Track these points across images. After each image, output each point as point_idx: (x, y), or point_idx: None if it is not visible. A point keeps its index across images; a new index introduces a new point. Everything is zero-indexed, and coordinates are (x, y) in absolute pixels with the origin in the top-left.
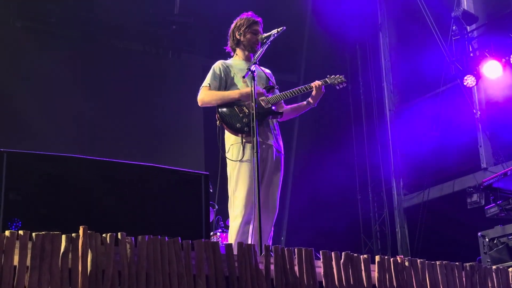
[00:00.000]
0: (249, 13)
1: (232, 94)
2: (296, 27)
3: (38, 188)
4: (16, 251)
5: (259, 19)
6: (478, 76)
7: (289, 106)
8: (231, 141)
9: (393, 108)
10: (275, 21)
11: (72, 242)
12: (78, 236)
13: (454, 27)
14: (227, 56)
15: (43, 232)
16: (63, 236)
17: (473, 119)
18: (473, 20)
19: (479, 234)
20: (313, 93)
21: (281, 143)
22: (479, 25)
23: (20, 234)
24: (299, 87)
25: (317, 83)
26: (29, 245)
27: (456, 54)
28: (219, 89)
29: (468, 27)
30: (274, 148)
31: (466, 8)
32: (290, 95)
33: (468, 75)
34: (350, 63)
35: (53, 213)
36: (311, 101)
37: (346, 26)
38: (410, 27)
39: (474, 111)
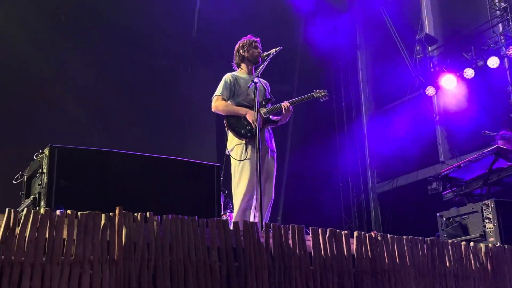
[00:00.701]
0: (249, 35)
1: (240, 110)
2: (291, 46)
3: (83, 176)
4: (65, 227)
5: (258, 39)
6: (437, 87)
7: None
8: (235, 142)
9: (369, 113)
10: (275, 42)
11: (110, 220)
12: (115, 215)
13: (418, 48)
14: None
15: (86, 212)
16: (103, 215)
17: (433, 121)
18: (433, 41)
19: (437, 214)
20: (283, 111)
21: (274, 144)
22: (438, 46)
23: (68, 213)
24: (276, 105)
25: (285, 104)
26: (75, 222)
27: (420, 70)
28: (229, 97)
29: (429, 48)
30: (269, 149)
31: (427, 32)
32: (279, 108)
33: (429, 86)
34: (334, 76)
35: (95, 196)
36: (282, 118)
37: (331, 46)
38: (382, 47)
39: (434, 115)
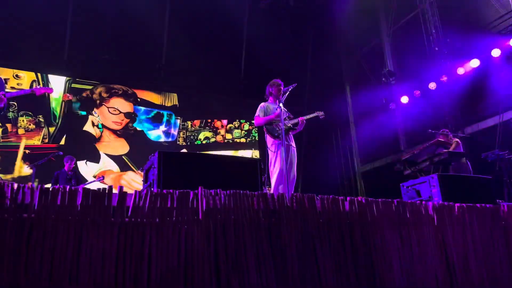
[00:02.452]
0: (277, 79)
1: (272, 117)
2: (301, 81)
3: (178, 169)
4: (169, 199)
5: (281, 82)
6: (398, 103)
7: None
8: (271, 142)
9: (353, 121)
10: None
11: (195, 195)
12: (198, 191)
13: (383, 79)
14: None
15: (181, 190)
16: (191, 192)
17: (396, 125)
18: (393, 75)
19: (401, 184)
20: (300, 123)
21: (294, 143)
22: (396, 78)
23: (169, 191)
24: (294, 121)
25: (301, 119)
26: (175, 197)
27: (386, 93)
28: (263, 116)
29: (391, 79)
30: (292, 146)
31: (389, 68)
32: (297, 122)
33: (392, 103)
34: (331, 101)
35: (185, 181)
36: (299, 128)
37: (327, 80)
38: (361, 79)
39: (396, 121)
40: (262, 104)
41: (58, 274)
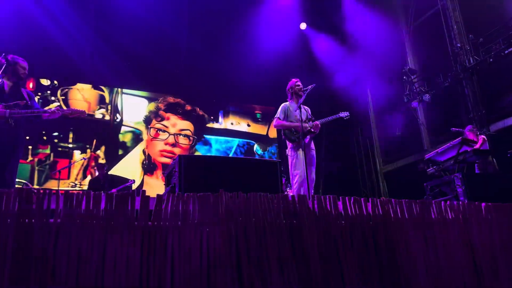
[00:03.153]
0: (292, 79)
1: (292, 125)
2: (320, 80)
3: (198, 172)
4: (191, 202)
5: (298, 79)
6: (420, 101)
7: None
8: (290, 145)
9: (375, 119)
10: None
11: (216, 198)
12: (218, 194)
13: (404, 77)
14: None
15: (203, 193)
16: (211, 194)
17: (419, 123)
18: (414, 72)
19: (425, 184)
20: (314, 127)
21: (313, 145)
22: (417, 75)
23: (190, 194)
24: (310, 125)
25: (316, 123)
26: (196, 199)
27: (407, 90)
28: (284, 118)
29: (412, 76)
30: (311, 149)
31: (410, 66)
32: (312, 125)
33: (414, 101)
34: (352, 98)
35: (205, 183)
36: (315, 131)
37: (350, 79)
38: (382, 77)
39: (419, 119)
40: (283, 104)
41: (84, 279)
